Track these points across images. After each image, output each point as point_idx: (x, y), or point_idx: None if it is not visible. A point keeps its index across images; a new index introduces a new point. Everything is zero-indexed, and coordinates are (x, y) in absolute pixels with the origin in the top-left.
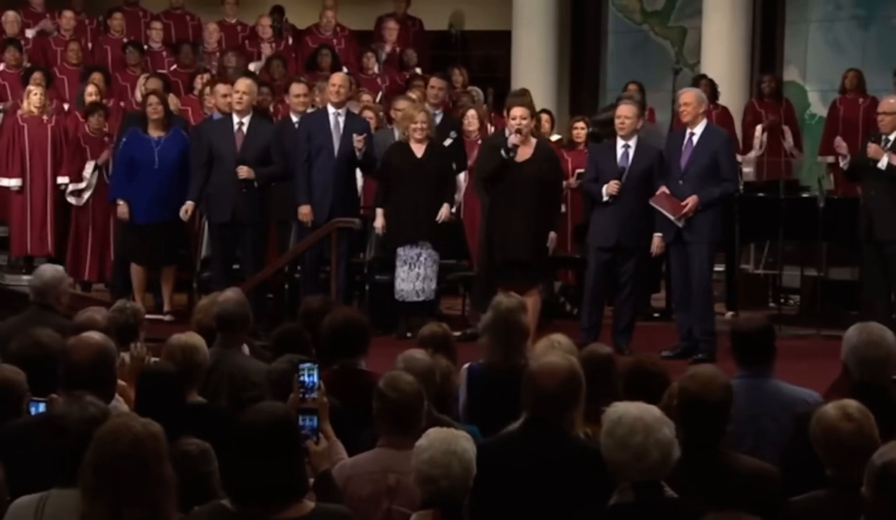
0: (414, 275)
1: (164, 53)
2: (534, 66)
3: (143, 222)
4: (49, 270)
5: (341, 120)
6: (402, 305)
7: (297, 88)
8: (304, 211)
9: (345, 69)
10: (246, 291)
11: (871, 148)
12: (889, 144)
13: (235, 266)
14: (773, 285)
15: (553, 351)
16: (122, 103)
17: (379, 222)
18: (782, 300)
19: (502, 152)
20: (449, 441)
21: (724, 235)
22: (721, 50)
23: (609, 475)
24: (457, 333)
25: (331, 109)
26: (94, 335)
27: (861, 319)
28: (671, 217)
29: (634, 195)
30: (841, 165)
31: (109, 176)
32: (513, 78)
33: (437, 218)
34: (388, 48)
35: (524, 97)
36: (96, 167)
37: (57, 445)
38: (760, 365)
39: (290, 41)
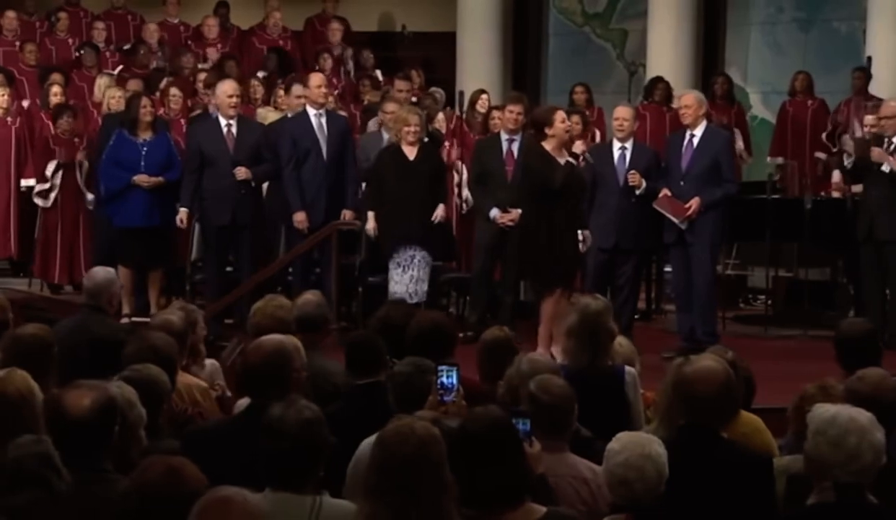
0: (407, 277)
1: (108, 54)
2: (477, 67)
3: (130, 225)
4: (101, 272)
5: (324, 121)
6: None
7: (296, 89)
8: (300, 218)
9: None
10: (244, 294)
11: (875, 151)
12: (892, 147)
13: (228, 268)
14: (743, 286)
15: (708, 356)
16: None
17: (370, 224)
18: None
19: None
20: (643, 444)
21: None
22: (667, 52)
23: (770, 480)
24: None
25: (311, 111)
26: (274, 338)
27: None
28: (674, 220)
29: (632, 197)
30: (845, 163)
31: (98, 178)
32: (457, 79)
33: (433, 218)
34: (336, 51)
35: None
36: (59, 167)
37: (274, 447)
38: (864, 368)
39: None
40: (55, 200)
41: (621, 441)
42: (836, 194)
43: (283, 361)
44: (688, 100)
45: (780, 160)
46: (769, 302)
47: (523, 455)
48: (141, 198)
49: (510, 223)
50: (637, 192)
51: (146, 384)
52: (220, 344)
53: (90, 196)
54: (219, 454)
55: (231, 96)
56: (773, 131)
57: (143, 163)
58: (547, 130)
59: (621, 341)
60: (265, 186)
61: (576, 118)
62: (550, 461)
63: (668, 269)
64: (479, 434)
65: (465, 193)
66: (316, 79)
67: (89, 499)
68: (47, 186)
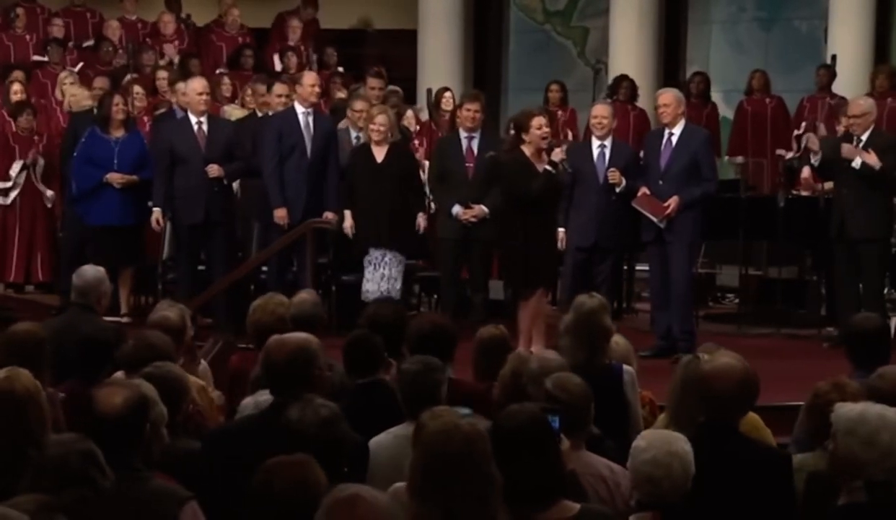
0: (378, 275)
1: (66, 51)
2: (438, 65)
3: (102, 223)
4: (90, 270)
5: (311, 120)
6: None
7: (280, 88)
8: (281, 214)
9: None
10: (218, 292)
11: (846, 148)
12: (861, 144)
13: (200, 267)
14: (712, 285)
15: (725, 353)
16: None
17: (348, 223)
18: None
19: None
20: (670, 442)
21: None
22: (629, 51)
23: (789, 477)
24: None
25: (300, 109)
26: (297, 336)
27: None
28: (653, 218)
29: (612, 195)
30: (812, 161)
31: (68, 176)
32: (418, 77)
33: (417, 228)
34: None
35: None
36: (24, 166)
37: (295, 448)
38: (875, 365)
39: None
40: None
41: (647, 439)
42: (805, 192)
43: (306, 359)
44: (666, 98)
45: (739, 159)
46: (738, 300)
47: (559, 452)
48: (113, 196)
49: (473, 219)
50: (617, 190)
51: (166, 382)
52: (198, 344)
53: (49, 193)
54: (240, 453)
55: (201, 94)
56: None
57: (115, 161)
58: (524, 136)
59: (617, 339)
60: (237, 183)
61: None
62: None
63: (639, 267)
64: (515, 431)
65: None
66: (309, 78)
67: (127, 498)
68: (9, 184)
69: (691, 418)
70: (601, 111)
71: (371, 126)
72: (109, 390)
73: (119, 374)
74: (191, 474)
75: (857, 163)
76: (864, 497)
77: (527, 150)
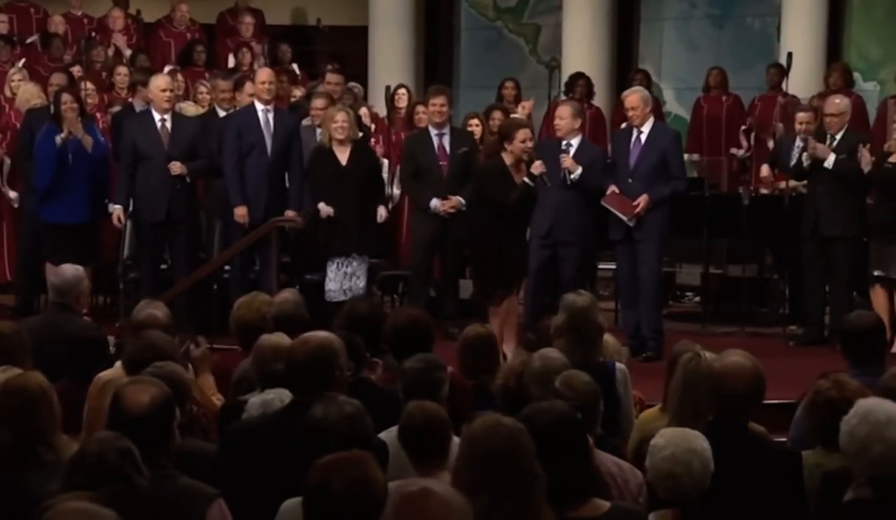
0: (341, 274)
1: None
2: (389, 62)
3: (56, 221)
4: (70, 270)
5: (271, 117)
6: (331, 306)
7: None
8: (241, 212)
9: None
10: (181, 292)
11: (819, 148)
12: (835, 143)
13: (162, 266)
14: (671, 283)
15: (734, 351)
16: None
17: (325, 211)
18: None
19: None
20: (689, 439)
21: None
22: (582, 48)
23: (799, 475)
24: None
25: (259, 106)
26: (319, 335)
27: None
28: (623, 217)
29: (571, 191)
30: (804, 163)
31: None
32: (369, 74)
33: (378, 219)
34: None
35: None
36: None
37: (320, 446)
38: (871, 363)
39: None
40: None
41: (666, 437)
42: (764, 191)
43: (328, 359)
44: (633, 101)
45: (695, 157)
46: (698, 299)
47: (590, 450)
48: (70, 194)
49: (451, 210)
50: (572, 176)
51: (170, 383)
52: None
53: (13, 194)
54: (259, 451)
55: (164, 90)
56: (687, 128)
57: (70, 158)
58: (506, 144)
59: (608, 338)
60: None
61: (498, 114)
62: None
63: (602, 266)
64: (547, 429)
65: (391, 190)
66: (262, 74)
67: (157, 496)
68: None
69: (694, 416)
70: (559, 111)
71: (332, 125)
72: (136, 388)
73: (107, 373)
74: (201, 475)
75: (829, 162)
76: (870, 493)
77: (507, 158)
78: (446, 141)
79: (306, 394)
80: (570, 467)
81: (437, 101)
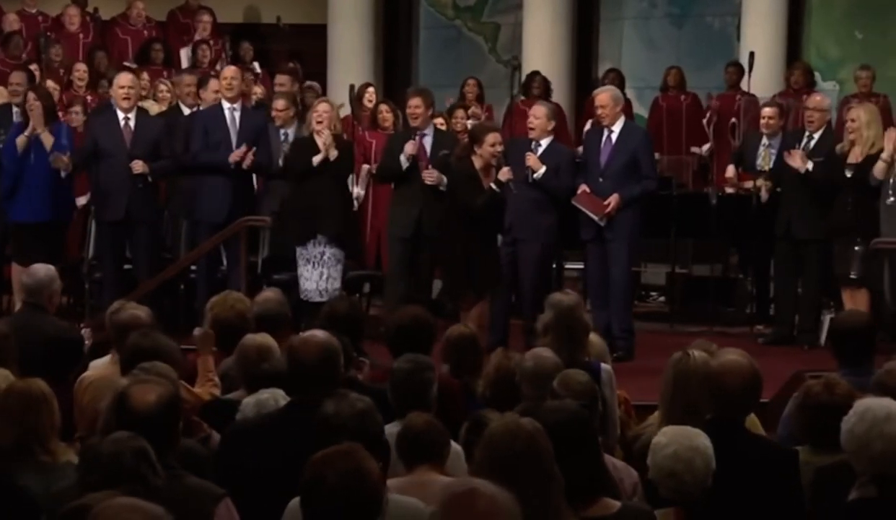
0: (317, 274)
1: None
2: (348, 60)
3: (20, 220)
4: (42, 269)
5: (237, 115)
6: (305, 306)
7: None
8: (238, 153)
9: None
10: (148, 291)
11: (796, 159)
12: (813, 143)
13: (126, 266)
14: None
15: (730, 350)
16: None
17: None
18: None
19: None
20: (690, 437)
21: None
22: (542, 47)
23: (796, 473)
24: None
25: (225, 105)
26: (319, 335)
27: (740, 314)
28: (594, 216)
29: (534, 190)
30: (808, 167)
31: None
32: (328, 72)
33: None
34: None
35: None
36: None
37: (332, 443)
38: (860, 362)
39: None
40: None
41: (668, 435)
42: (729, 190)
43: (332, 358)
44: (603, 100)
45: (655, 156)
46: (663, 299)
47: (600, 449)
48: (34, 193)
49: (430, 180)
50: (535, 175)
51: None
52: None
53: None
54: (260, 451)
55: (123, 87)
56: (644, 127)
57: (32, 157)
58: (476, 148)
59: (593, 338)
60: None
61: (461, 113)
62: None
63: (568, 266)
64: (558, 428)
65: (356, 190)
66: (227, 71)
67: (166, 496)
68: None
69: (684, 414)
70: (534, 111)
71: (314, 114)
72: (142, 387)
73: (91, 372)
74: (198, 475)
75: (803, 169)
76: (874, 492)
77: (476, 162)
78: (428, 142)
79: (307, 394)
80: (581, 466)
81: (412, 103)
